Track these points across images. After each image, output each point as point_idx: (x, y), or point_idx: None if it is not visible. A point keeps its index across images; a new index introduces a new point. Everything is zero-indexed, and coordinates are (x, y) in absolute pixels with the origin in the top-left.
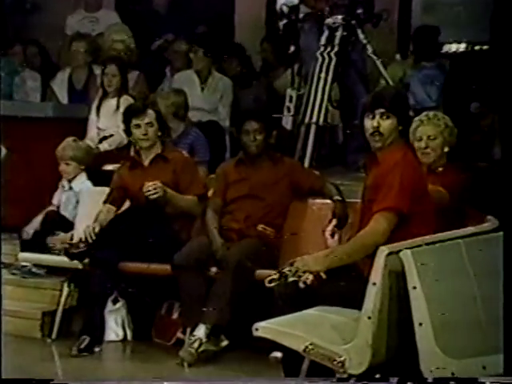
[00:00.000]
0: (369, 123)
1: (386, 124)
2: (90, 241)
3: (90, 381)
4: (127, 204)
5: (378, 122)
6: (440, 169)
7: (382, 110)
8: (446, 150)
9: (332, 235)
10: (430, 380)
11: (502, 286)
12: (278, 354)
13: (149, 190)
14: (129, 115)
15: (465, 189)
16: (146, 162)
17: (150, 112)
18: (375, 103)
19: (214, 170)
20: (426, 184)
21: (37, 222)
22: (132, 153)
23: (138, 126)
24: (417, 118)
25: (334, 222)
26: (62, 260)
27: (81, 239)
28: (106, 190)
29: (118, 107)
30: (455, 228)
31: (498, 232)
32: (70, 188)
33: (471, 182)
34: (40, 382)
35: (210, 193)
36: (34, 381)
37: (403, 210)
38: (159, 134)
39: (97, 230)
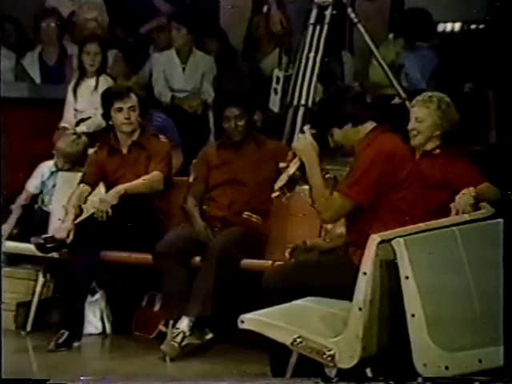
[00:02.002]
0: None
1: (336, 137)
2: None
3: (86, 379)
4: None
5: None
6: (437, 151)
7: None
8: (438, 133)
9: None
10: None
11: (501, 274)
12: None
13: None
14: (110, 98)
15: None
16: (125, 150)
17: (133, 95)
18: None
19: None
20: (409, 171)
21: (12, 220)
22: (111, 138)
23: (120, 109)
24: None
25: None
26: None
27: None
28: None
29: (96, 87)
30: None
31: (494, 219)
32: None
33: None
34: (37, 381)
35: (191, 178)
36: (31, 381)
37: (358, 201)
38: (139, 119)
39: (69, 224)
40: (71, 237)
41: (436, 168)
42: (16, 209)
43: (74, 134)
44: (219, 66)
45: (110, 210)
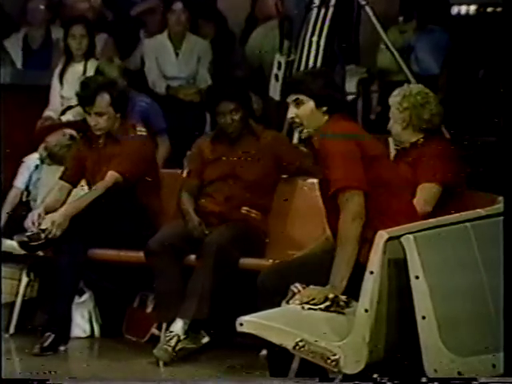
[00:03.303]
0: (287, 114)
1: (302, 111)
2: (42, 226)
3: (85, 380)
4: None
5: (293, 112)
6: (421, 141)
7: (294, 97)
8: (410, 130)
9: None
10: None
11: (501, 275)
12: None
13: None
14: (79, 100)
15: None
16: (101, 142)
17: (102, 98)
18: (286, 91)
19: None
20: (380, 151)
21: (3, 219)
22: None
23: (89, 114)
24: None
25: None
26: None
27: (41, 229)
28: None
29: (84, 72)
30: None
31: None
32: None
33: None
34: (37, 381)
35: (184, 173)
36: (31, 381)
37: (356, 184)
38: (118, 115)
39: (41, 213)
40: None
41: (416, 158)
42: (6, 208)
43: (72, 137)
44: (216, 51)
45: (58, 232)
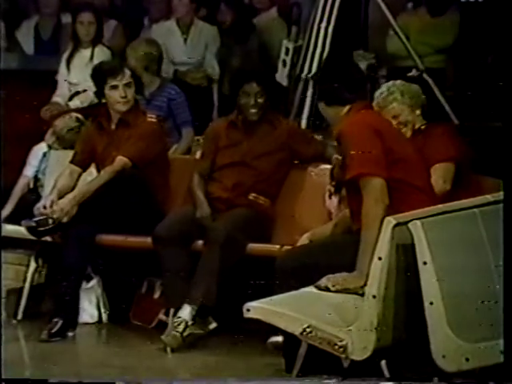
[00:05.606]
0: None
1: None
2: (54, 215)
3: (87, 379)
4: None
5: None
6: (423, 127)
7: None
8: (418, 112)
9: (330, 196)
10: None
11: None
12: (277, 339)
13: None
14: (103, 75)
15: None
16: (113, 126)
17: (127, 70)
18: None
19: (200, 130)
20: (407, 150)
21: (10, 207)
22: (101, 113)
23: (115, 87)
24: (376, 96)
25: (333, 182)
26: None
27: (48, 215)
28: None
29: (91, 58)
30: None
31: None
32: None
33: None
34: (38, 381)
35: (197, 155)
36: (30, 381)
37: (373, 170)
38: (135, 96)
39: (54, 199)
40: (46, 210)
41: (422, 142)
42: (15, 196)
43: (78, 120)
44: (232, 38)
45: (66, 218)
